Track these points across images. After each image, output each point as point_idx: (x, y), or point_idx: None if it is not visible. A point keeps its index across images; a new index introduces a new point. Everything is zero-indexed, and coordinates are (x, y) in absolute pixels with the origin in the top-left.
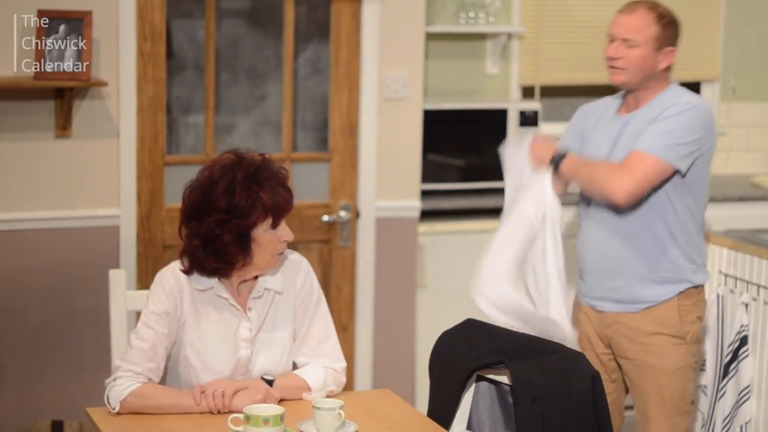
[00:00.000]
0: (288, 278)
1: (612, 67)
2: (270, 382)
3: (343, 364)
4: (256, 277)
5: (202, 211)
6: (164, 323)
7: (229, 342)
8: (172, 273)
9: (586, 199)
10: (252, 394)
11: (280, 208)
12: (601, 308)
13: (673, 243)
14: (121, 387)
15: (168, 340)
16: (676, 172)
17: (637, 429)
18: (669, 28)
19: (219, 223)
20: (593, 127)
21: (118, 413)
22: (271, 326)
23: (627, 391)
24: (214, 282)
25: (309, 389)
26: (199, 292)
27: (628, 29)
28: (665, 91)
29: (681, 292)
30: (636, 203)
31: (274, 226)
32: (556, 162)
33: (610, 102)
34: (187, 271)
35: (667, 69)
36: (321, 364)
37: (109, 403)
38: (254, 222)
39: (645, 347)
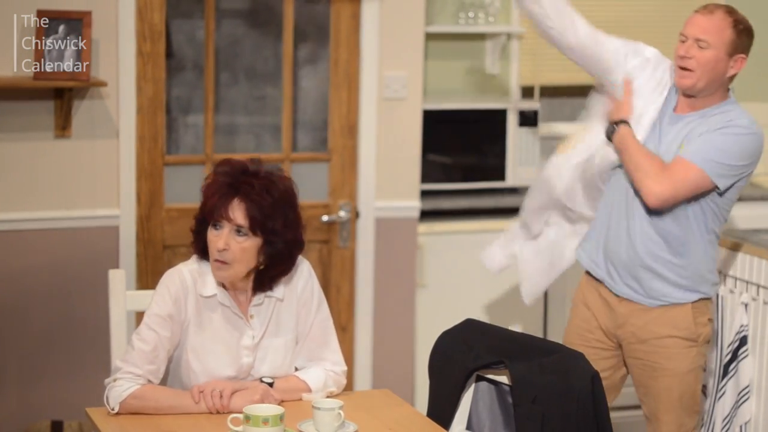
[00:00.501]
0: (289, 284)
1: (681, 68)
2: (270, 385)
3: (344, 367)
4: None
5: None
6: (167, 326)
7: (231, 349)
8: (179, 276)
9: (615, 180)
10: (250, 394)
11: (213, 211)
12: (614, 288)
13: (703, 253)
14: (120, 388)
15: (170, 344)
16: (714, 189)
17: (647, 428)
18: (743, 36)
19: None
20: (656, 118)
21: (117, 414)
22: (275, 332)
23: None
24: (218, 289)
25: (309, 390)
26: (203, 298)
27: (704, 30)
28: (724, 103)
29: (694, 301)
30: (671, 208)
31: (214, 226)
32: (610, 131)
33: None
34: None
35: (731, 78)
36: (321, 367)
37: (108, 404)
38: (202, 211)
39: (658, 349)
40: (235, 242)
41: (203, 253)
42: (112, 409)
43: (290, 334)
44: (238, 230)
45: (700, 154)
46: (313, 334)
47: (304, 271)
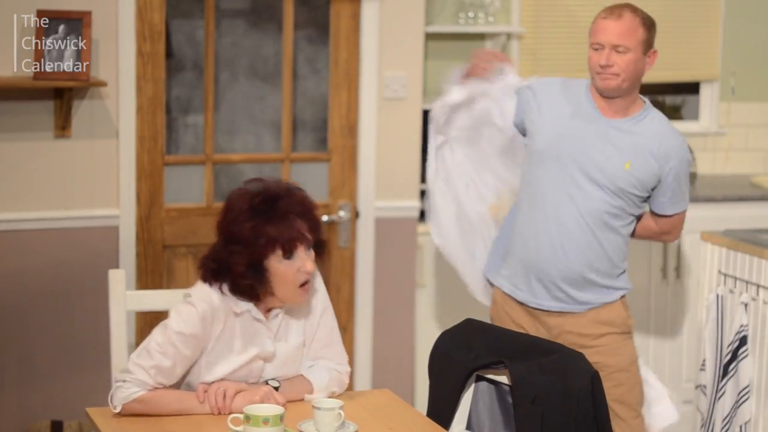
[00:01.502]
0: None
1: (604, 74)
2: (276, 388)
3: (348, 368)
4: None
5: (222, 233)
6: (189, 346)
7: (244, 355)
8: (208, 296)
9: (539, 191)
10: (250, 394)
11: (291, 239)
12: (540, 306)
13: (624, 249)
14: (128, 391)
15: (189, 362)
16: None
17: None
18: (652, 30)
19: (230, 253)
20: (570, 114)
21: (119, 414)
22: (284, 337)
23: None
24: (250, 306)
25: (312, 391)
26: (234, 315)
27: (619, 35)
28: (645, 108)
29: (621, 296)
30: (615, 215)
31: (287, 256)
32: None
33: (576, 92)
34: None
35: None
36: (326, 367)
37: (112, 403)
38: (262, 253)
39: (598, 349)
40: (310, 260)
41: (230, 290)
42: (115, 409)
43: (299, 338)
44: (309, 246)
45: (680, 204)
46: (319, 335)
47: (318, 280)
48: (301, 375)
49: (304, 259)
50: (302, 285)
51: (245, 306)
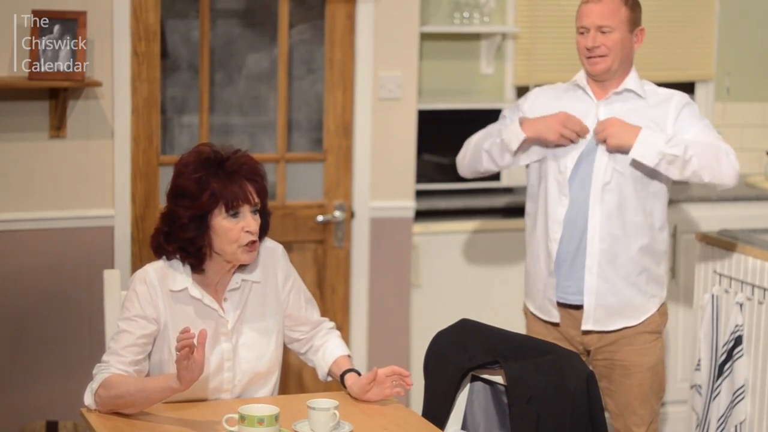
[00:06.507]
0: (266, 268)
1: (592, 57)
2: (357, 372)
3: (328, 321)
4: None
5: (169, 193)
6: (140, 326)
7: (210, 339)
8: (145, 276)
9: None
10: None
11: (234, 197)
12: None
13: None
14: (94, 383)
15: (145, 340)
16: None
17: (616, 421)
18: (635, 9)
19: (175, 205)
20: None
21: (97, 410)
22: (253, 317)
23: None
24: (188, 282)
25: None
26: (173, 293)
27: (601, 16)
28: (630, 76)
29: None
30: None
31: (232, 214)
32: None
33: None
34: (158, 257)
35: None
36: (333, 335)
37: (84, 402)
38: (205, 206)
39: (627, 348)
40: (255, 222)
41: (177, 252)
42: (89, 407)
43: (273, 317)
44: (254, 210)
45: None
46: (302, 302)
47: (279, 255)
48: (340, 356)
49: (249, 219)
50: (247, 245)
51: (183, 284)
